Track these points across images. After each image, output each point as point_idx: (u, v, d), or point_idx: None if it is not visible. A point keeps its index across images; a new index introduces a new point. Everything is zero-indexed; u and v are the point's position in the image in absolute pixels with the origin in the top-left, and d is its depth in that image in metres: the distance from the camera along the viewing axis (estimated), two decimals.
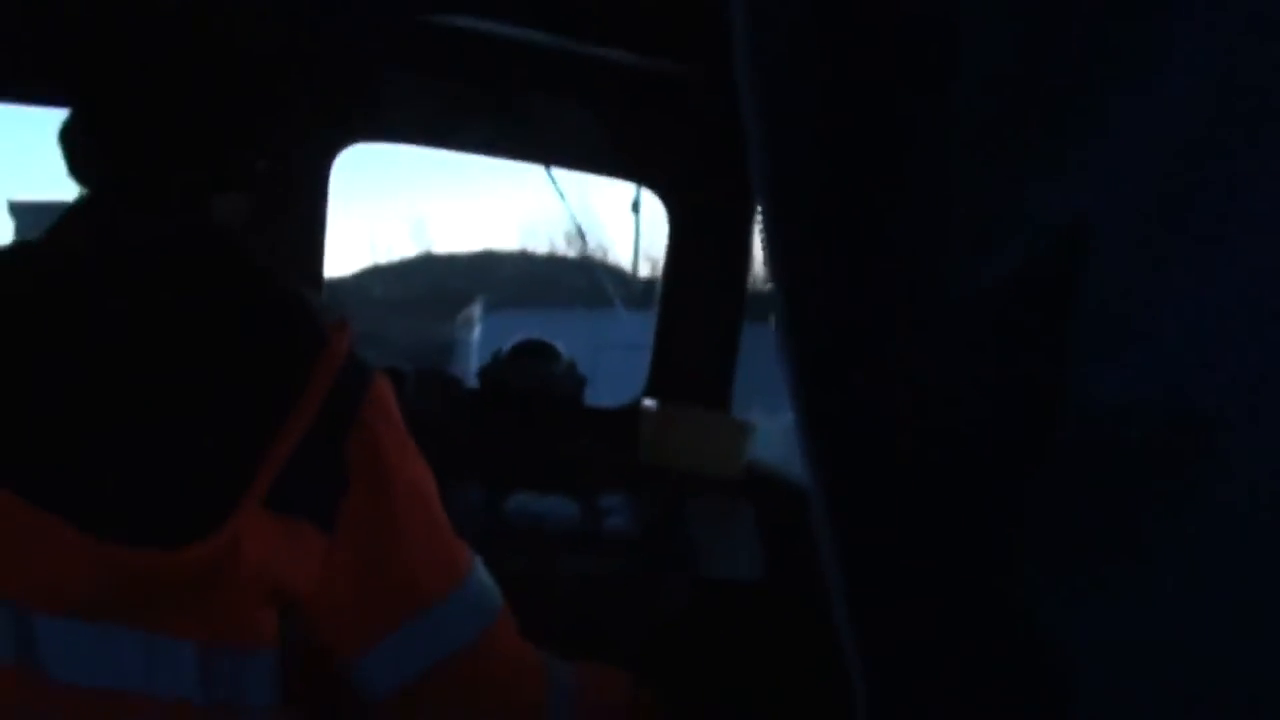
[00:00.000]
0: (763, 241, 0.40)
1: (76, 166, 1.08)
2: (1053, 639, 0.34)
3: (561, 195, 2.32)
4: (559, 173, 2.31)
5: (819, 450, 0.39)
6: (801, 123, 0.38)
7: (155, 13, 1.07)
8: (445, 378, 2.20)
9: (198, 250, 1.05)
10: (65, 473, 0.90)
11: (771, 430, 2.18)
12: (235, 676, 0.92)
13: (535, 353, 2.27)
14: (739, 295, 2.32)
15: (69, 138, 1.08)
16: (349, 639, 1.03)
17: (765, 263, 0.41)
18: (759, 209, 0.40)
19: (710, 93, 1.94)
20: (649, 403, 2.20)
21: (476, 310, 9.09)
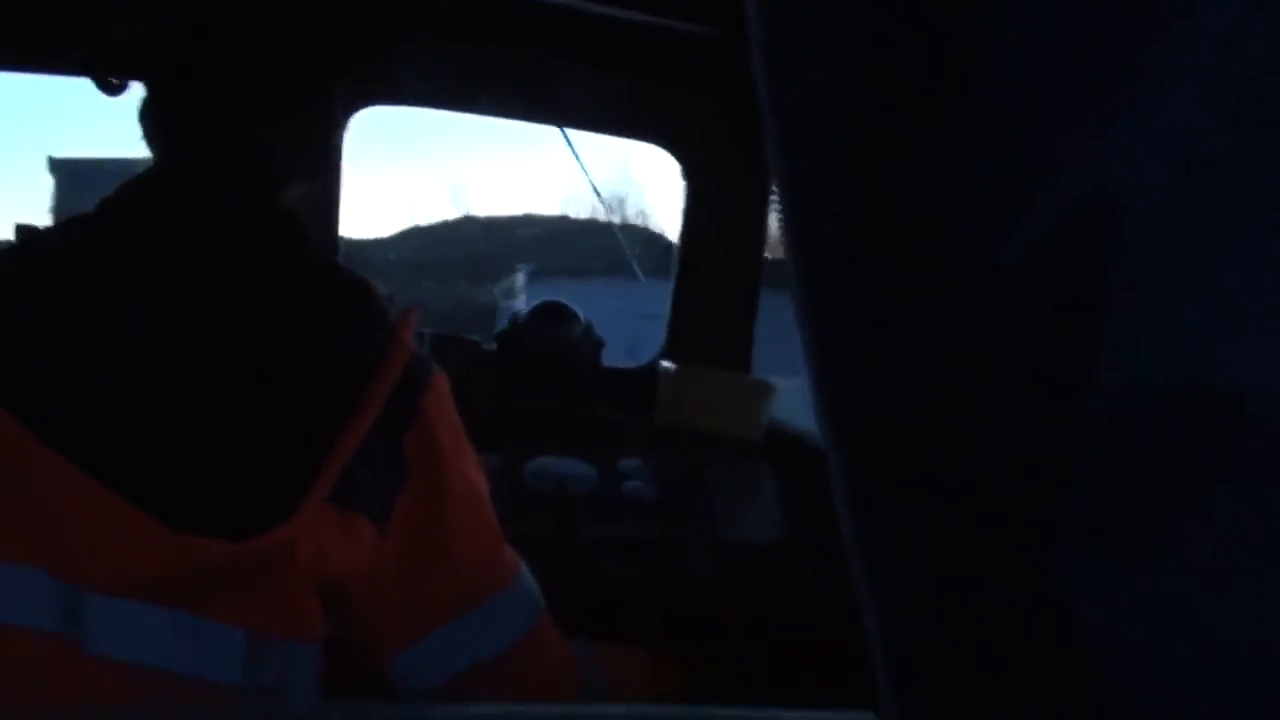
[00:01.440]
0: (778, 205, 0.39)
1: (153, 144, 1.10)
2: (1081, 616, 0.34)
3: (578, 158, 2.32)
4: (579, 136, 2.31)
5: (837, 426, 0.39)
6: (817, 79, 0.37)
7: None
8: (463, 341, 2.20)
9: (268, 234, 1.05)
10: (136, 457, 0.90)
11: (792, 391, 2.17)
12: (282, 665, 0.92)
13: (553, 315, 2.27)
14: (757, 258, 2.31)
15: (150, 115, 1.10)
16: (393, 633, 1.04)
17: (780, 228, 0.40)
18: (771, 165, 0.39)
19: (727, 55, 1.92)
20: (666, 364, 2.20)
21: (520, 278, 9.11)
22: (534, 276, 9.63)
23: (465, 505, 1.06)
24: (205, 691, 0.89)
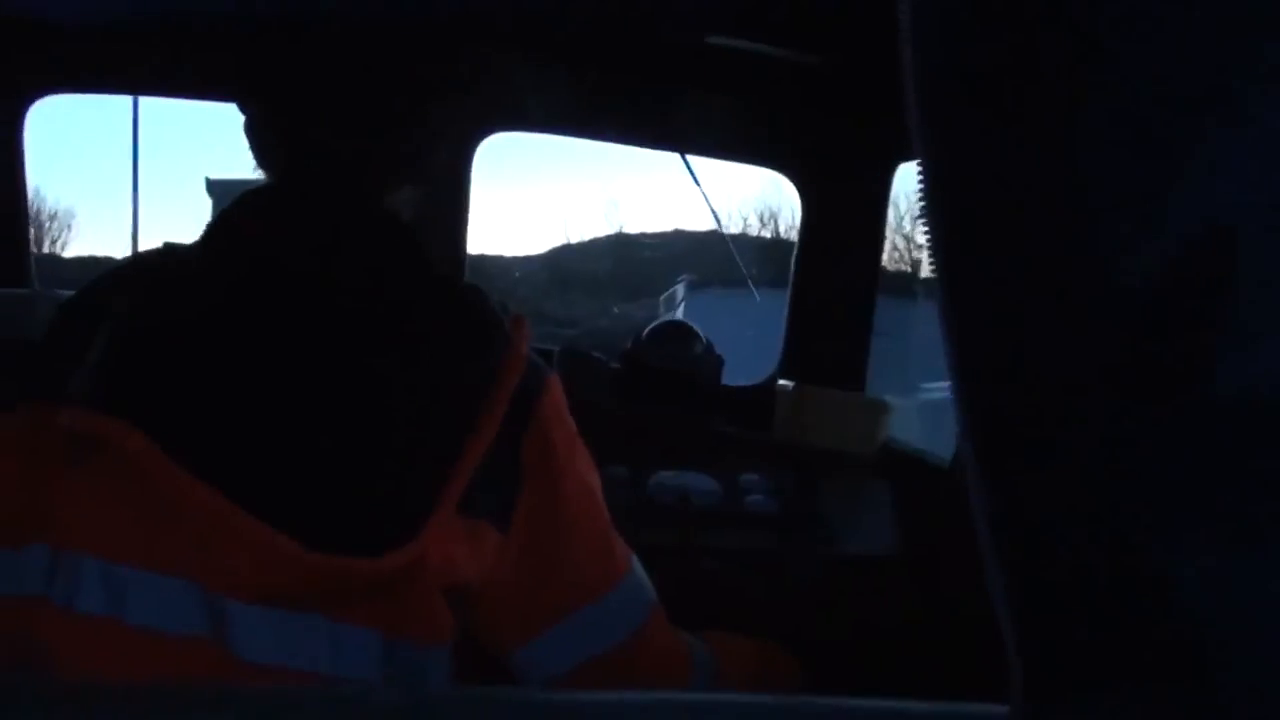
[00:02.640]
0: (924, 226, 0.42)
1: (261, 157, 1.12)
2: (1197, 614, 0.37)
3: (696, 181, 2.37)
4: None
5: (976, 432, 0.41)
6: (960, 108, 0.40)
7: (326, 13, 1.11)
8: (589, 358, 2.27)
9: (384, 246, 1.06)
10: (268, 477, 0.91)
11: (906, 409, 2.18)
12: (416, 665, 0.94)
13: (674, 334, 2.33)
14: (872, 277, 2.33)
15: (254, 130, 1.12)
16: (514, 630, 1.06)
17: (927, 247, 0.43)
18: (919, 193, 0.43)
19: (842, 80, 1.95)
20: (784, 382, 2.24)
21: (680, 290, 9.09)
22: (693, 288, 9.59)
23: (580, 506, 1.07)
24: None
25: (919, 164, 0.43)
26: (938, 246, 0.42)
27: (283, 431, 0.94)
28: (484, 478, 0.96)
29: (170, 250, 1.08)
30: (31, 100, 2.06)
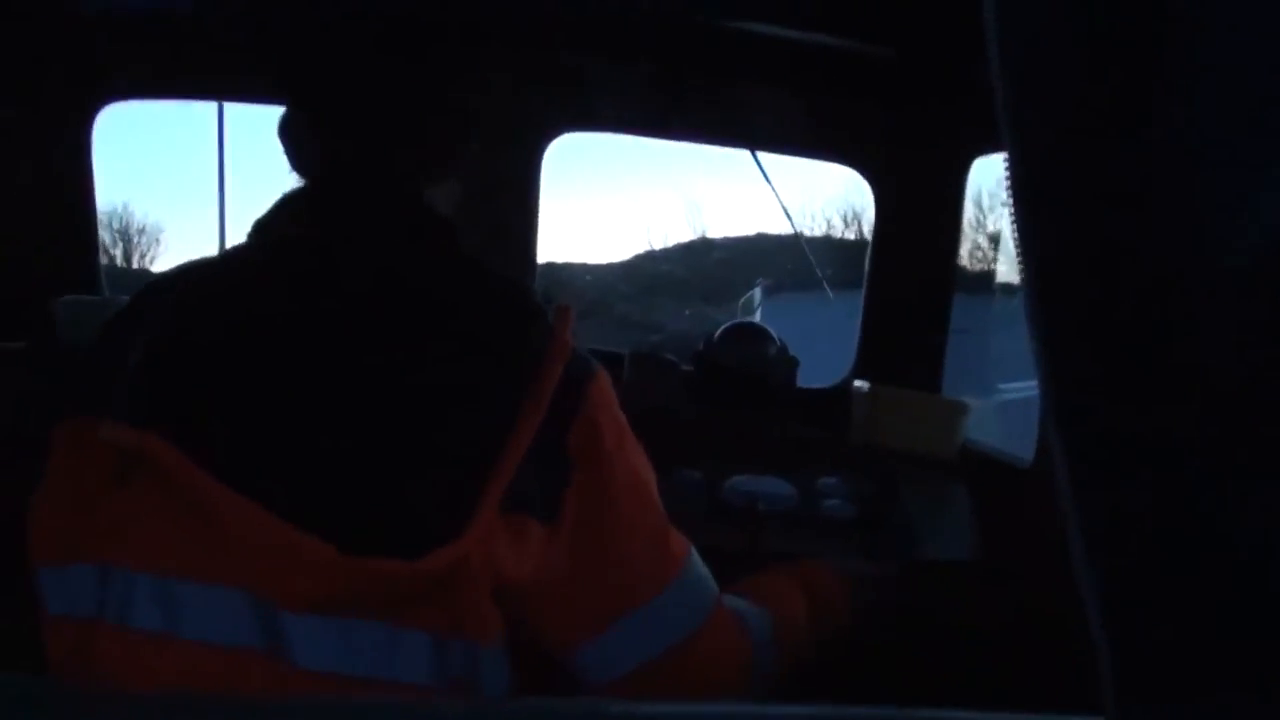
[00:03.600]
0: (1012, 221, 0.42)
1: (295, 159, 1.12)
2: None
3: (767, 178, 2.34)
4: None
5: (1069, 438, 0.41)
6: (1055, 104, 0.40)
7: (367, 10, 1.10)
8: (660, 360, 2.24)
9: (421, 240, 1.05)
10: (308, 483, 0.90)
11: (984, 410, 2.13)
12: (470, 665, 0.93)
13: (747, 335, 2.30)
14: (947, 275, 2.28)
15: (288, 131, 1.12)
16: (571, 628, 1.04)
17: (1015, 243, 0.42)
18: (1008, 189, 0.42)
19: (916, 73, 1.91)
20: (860, 383, 2.19)
21: (757, 293, 9.09)
22: (770, 291, 9.57)
23: (631, 497, 1.05)
24: (401, 694, 0.90)
25: (1006, 163, 0.42)
26: (1027, 248, 0.41)
27: (316, 434, 0.93)
28: (527, 472, 0.94)
29: (208, 259, 1.09)
30: (99, 107, 2.09)
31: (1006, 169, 0.42)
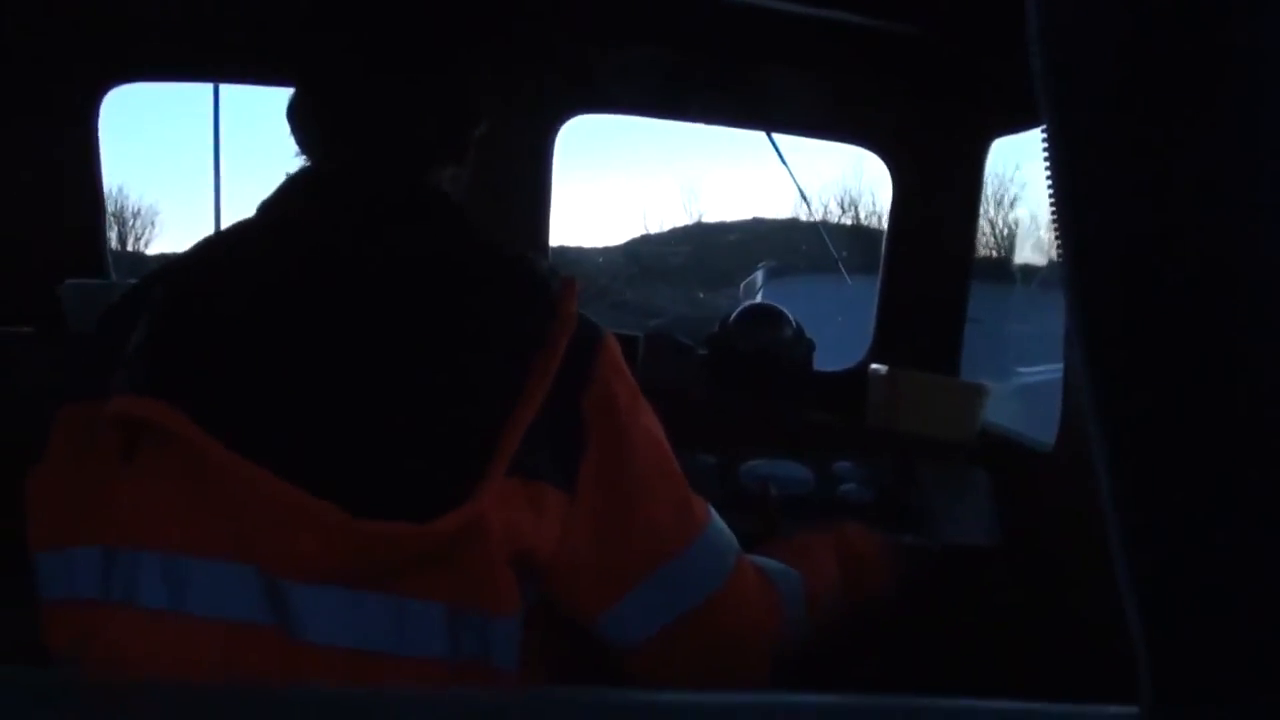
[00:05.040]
0: (1052, 204, 0.41)
1: (303, 141, 1.13)
2: None
3: (782, 159, 2.32)
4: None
5: (1109, 433, 0.40)
6: (1099, 82, 0.39)
7: None
8: (675, 342, 2.23)
9: (427, 216, 1.06)
10: (312, 447, 0.90)
11: (1004, 393, 2.12)
12: (482, 638, 0.92)
13: (763, 318, 2.28)
14: (965, 257, 2.26)
15: (296, 114, 1.13)
16: (594, 595, 1.03)
17: (1053, 222, 0.42)
18: (1047, 168, 0.41)
19: (936, 51, 1.89)
20: (877, 367, 2.17)
21: (759, 277, 9.11)
22: (772, 274, 9.58)
23: (649, 460, 1.05)
24: (411, 668, 0.90)
25: (1045, 145, 0.41)
26: (1066, 233, 0.40)
27: (324, 400, 0.93)
28: (541, 439, 0.95)
29: (209, 238, 1.09)
30: (105, 90, 2.07)
31: (1045, 151, 0.41)
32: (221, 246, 1.06)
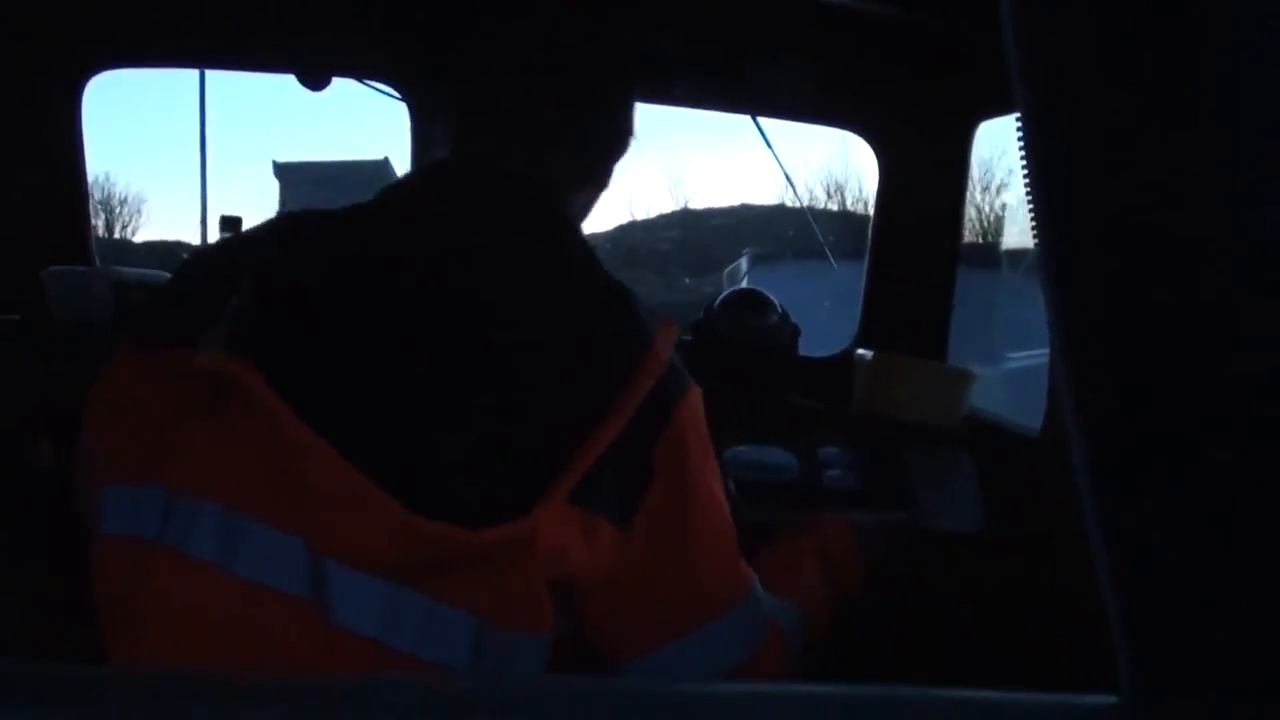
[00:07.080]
0: (1028, 188, 0.41)
1: (442, 139, 1.15)
2: None
3: (768, 143, 2.31)
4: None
5: (1090, 425, 0.40)
6: (1072, 66, 0.39)
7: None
8: None
9: (550, 234, 1.07)
10: (387, 439, 0.92)
11: (990, 379, 2.12)
12: (506, 654, 0.92)
13: (748, 303, 2.27)
14: (952, 242, 2.26)
15: (436, 113, 1.15)
16: (631, 639, 1.03)
17: (1031, 210, 0.42)
18: (1023, 155, 0.41)
19: (921, 33, 1.89)
20: (863, 352, 2.17)
21: (744, 263, 9.09)
22: (756, 261, 9.56)
23: (709, 519, 1.05)
24: (430, 674, 0.89)
25: (1019, 130, 0.41)
26: (1042, 219, 0.40)
27: (405, 391, 0.94)
28: (607, 472, 0.95)
29: (308, 214, 1.10)
30: (88, 76, 2.06)
31: (1020, 135, 0.41)
32: (336, 221, 1.07)
